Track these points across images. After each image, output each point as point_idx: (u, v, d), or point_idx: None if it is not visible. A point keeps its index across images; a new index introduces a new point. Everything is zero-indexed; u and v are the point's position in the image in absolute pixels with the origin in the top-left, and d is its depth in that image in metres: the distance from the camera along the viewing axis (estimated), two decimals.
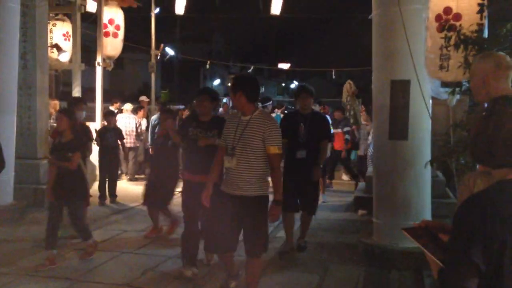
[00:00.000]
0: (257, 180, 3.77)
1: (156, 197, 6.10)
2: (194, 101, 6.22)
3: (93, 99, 9.79)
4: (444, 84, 4.64)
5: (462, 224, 1.60)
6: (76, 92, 9.24)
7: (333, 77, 19.97)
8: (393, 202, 5.36)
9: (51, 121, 8.14)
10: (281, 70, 29.84)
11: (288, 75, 40.20)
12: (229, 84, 8.42)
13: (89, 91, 10.99)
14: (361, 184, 8.92)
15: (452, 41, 4.25)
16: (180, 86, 33.60)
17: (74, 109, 5.94)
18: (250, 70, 24.49)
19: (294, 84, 43.14)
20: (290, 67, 28.07)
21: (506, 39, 4.24)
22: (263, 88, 43.68)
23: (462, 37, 4.15)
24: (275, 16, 12.98)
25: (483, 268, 1.53)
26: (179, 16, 13.96)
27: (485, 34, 4.35)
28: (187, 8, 13.27)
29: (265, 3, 12.93)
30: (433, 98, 5.37)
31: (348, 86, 11.33)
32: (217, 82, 38.64)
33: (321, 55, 30.07)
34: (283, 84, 45.06)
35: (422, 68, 4.79)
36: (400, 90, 5.16)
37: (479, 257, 1.52)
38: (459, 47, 4.14)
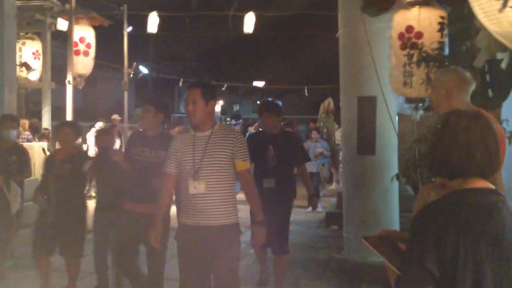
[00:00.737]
0: (230, 205, 3.21)
1: None
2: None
3: (64, 118, 9.66)
4: (408, 100, 4.77)
5: (417, 232, 1.64)
6: (46, 111, 9.14)
7: (306, 94, 20.19)
8: (362, 216, 5.44)
9: (19, 140, 8.01)
10: (256, 87, 30.06)
11: (263, 93, 40.53)
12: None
13: (60, 109, 10.87)
14: (332, 199, 9.01)
15: (414, 59, 4.39)
16: None
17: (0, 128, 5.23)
18: (223, 88, 24.57)
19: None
20: (265, 85, 28.26)
21: (466, 57, 4.41)
22: (238, 106, 43.83)
23: (423, 54, 4.30)
24: (248, 35, 13.11)
25: (437, 275, 1.57)
26: (153, 34, 13.96)
27: (446, 51, 4.50)
28: (160, 26, 13.30)
29: (238, 22, 13.06)
30: (399, 114, 5.51)
31: (327, 103, 11.52)
32: None
33: (295, 73, 30.39)
34: (258, 102, 45.31)
35: (387, 84, 4.92)
36: (367, 106, 5.28)
37: (433, 264, 1.57)
38: (421, 64, 4.28)
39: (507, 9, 1.37)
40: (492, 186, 1.70)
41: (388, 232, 1.93)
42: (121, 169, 3.99)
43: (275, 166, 4.56)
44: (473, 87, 2.81)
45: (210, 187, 3.12)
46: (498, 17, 1.42)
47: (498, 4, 1.34)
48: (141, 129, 4.45)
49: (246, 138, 4.32)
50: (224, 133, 3.23)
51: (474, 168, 1.66)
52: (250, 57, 32.79)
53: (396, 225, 5.45)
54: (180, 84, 22.25)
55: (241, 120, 9.54)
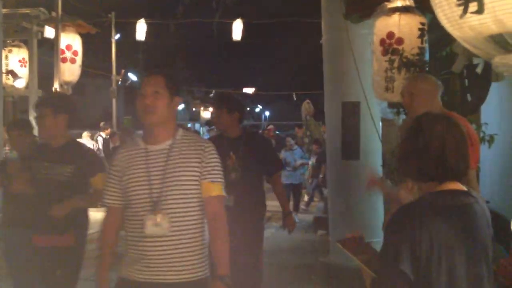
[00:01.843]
0: (200, 251, 2.32)
1: None
2: None
3: None
4: (391, 105, 4.84)
5: (391, 234, 1.67)
6: (33, 118, 9.10)
7: (294, 99, 20.34)
8: (348, 220, 5.49)
9: (7, 148, 7.98)
10: (246, 94, 30.18)
11: (253, 100, 40.66)
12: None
13: None
14: (320, 204, 9.07)
15: (395, 64, 4.46)
16: None
17: None
18: (212, 95, 24.62)
19: (258, 108, 43.54)
20: (255, 91, 28.39)
21: (446, 62, 4.50)
22: None
23: (404, 60, 4.37)
24: (236, 42, 13.18)
25: (411, 277, 1.60)
26: (141, 42, 14.00)
27: (427, 57, 4.58)
28: (149, 34, 13.34)
29: (226, 29, 13.15)
30: (383, 118, 5.58)
31: (307, 106, 11.65)
32: (181, 107, 38.60)
33: (284, 79, 30.55)
34: (248, 108, 45.40)
35: (370, 90, 4.99)
36: (351, 112, 5.34)
37: (407, 266, 1.59)
38: (401, 69, 4.36)
39: (468, 15, 1.42)
40: (464, 188, 1.73)
41: (363, 234, 1.97)
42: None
43: (237, 179, 3.56)
44: (441, 91, 2.94)
45: (176, 225, 2.23)
46: (459, 23, 1.47)
47: (459, 10, 1.40)
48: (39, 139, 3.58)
49: None
50: (189, 142, 2.37)
51: (448, 173, 1.69)
52: (239, 63, 32.90)
53: (380, 229, 5.50)
54: None
55: (213, 127, 9.30)
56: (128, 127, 16.45)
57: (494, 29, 1.39)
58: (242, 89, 29.33)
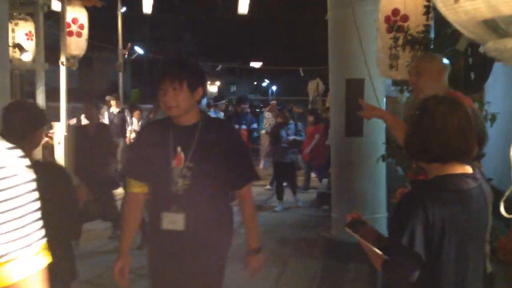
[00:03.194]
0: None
1: None
2: None
3: (58, 98, 9.73)
4: (395, 83, 4.84)
5: (404, 218, 1.70)
6: (40, 91, 9.16)
7: (302, 74, 20.22)
8: (350, 196, 5.56)
9: None
10: (253, 68, 30.00)
11: (260, 74, 40.43)
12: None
13: (55, 90, 10.90)
14: (325, 180, 9.12)
15: (400, 42, 4.44)
16: (151, 85, 33.36)
17: None
18: (218, 69, 24.51)
19: (265, 83, 43.33)
20: (262, 65, 28.23)
21: (451, 40, 4.47)
22: (235, 87, 43.72)
23: (409, 37, 4.35)
24: (244, 16, 13.04)
25: (424, 258, 1.65)
26: (148, 15, 13.91)
27: (432, 35, 4.55)
28: (156, 7, 13.24)
29: (233, 2, 13.00)
30: (387, 96, 5.58)
31: (315, 85, 11.40)
32: None
33: (291, 54, 30.30)
34: (255, 83, 45.21)
35: (375, 67, 4.98)
36: (355, 89, 5.34)
37: (421, 248, 1.64)
38: (406, 47, 4.34)
39: (462, 0, 1.44)
40: (470, 170, 1.77)
41: (359, 214, 2.00)
42: None
43: (187, 189, 2.33)
44: (448, 71, 2.92)
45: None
46: (454, 7, 1.48)
47: None
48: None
49: (137, 134, 2.56)
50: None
51: (451, 155, 1.72)
52: (247, 37, 32.63)
53: (383, 205, 5.57)
54: None
55: (223, 101, 9.07)
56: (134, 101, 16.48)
57: (487, 14, 1.40)
58: (249, 63, 29.16)
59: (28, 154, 1.39)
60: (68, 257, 2.55)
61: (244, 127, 9.49)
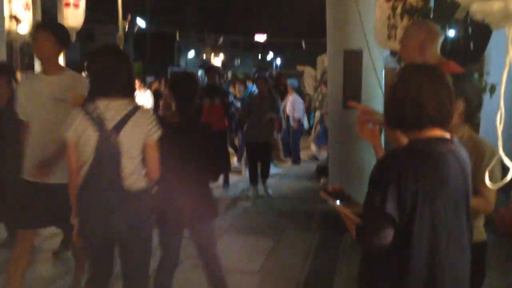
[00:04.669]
0: None
1: None
2: None
3: None
4: (393, 53, 4.75)
5: (378, 180, 1.72)
6: (38, 64, 9.13)
7: (303, 47, 20.03)
8: (347, 169, 5.53)
9: None
10: (257, 42, 29.73)
11: (264, 47, 40.07)
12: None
13: None
14: (324, 154, 9.11)
15: (398, 11, 4.34)
16: (153, 58, 33.20)
17: None
18: (221, 42, 24.31)
19: (270, 56, 42.97)
20: (266, 38, 27.99)
21: (452, 9, 4.36)
22: (239, 61, 43.40)
23: (408, 6, 4.25)
24: None
25: (397, 220, 1.66)
26: None
27: (431, 3, 4.44)
28: None
29: None
30: (385, 67, 5.49)
31: (322, 60, 10.93)
32: (191, 54, 38.26)
33: (294, 27, 29.96)
34: (259, 56, 44.85)
35: (373, 37, 4.88)
36: (353, 60, 5.26)
37: (393, 209, 1.65)
38: (404, 16, 4.24)
39: None
40: (445, 135, 1.76)
41: (343, 187, 2.02)
42: None
43: None
44: (441, 38, 2.82)
45: None
46: None
47: None
48: None
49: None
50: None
51: (427, 120, 1.72)
52: (250, 10, 32.24)
53: None
54: (177, 38, 21.97)
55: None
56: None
57: None
58: (253, 36, 28.87)
59: None
60: None
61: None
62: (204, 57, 34.18)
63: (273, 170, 8.13)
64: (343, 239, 5.10)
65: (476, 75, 4.08)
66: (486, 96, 4.00)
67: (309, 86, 11.55)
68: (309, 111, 10.93)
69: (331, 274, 4.25)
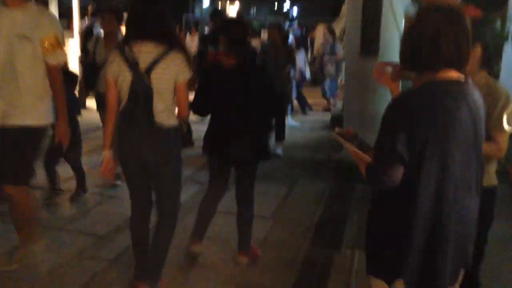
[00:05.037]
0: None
1: None
2: None
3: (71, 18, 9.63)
4: (414, 0, 4.59)
5: (389, 120, 1.71)
6: (53, 7, 9.05)
7: None
8: (362, 117, 5.49)
9: None
10: None
11: None
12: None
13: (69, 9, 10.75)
14: (339, 103, 9.03)
15: None
16: (168, 6, 32.49)
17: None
18: None
19: (287, 5, 41.94)
20: None
21: None
22: (254, 9, 42.47)
23: None
24: None
25: (406, 159, 1.66)
26: None
27: None
28: None
29: None
30: (406, 15, 5.32)
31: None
32: (206, 3, 37.52)
33: None
34: (276, 4, 43.80)
35: None
36: (372, 5, 5.10)
37: (403, 147, 1.65)
38: None
39: None
40: (460, 77, 1.73)
41: (357, 131, 2.03)
42: None
43: None
44: None
45: None
46: None
47: None
48: None
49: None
50: None
51: (442, 61, 1.69)
52: None
53: None
54: None
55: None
56: None
57: None
58: None
59: None
60: None
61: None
62: (219, 6, 33.45)
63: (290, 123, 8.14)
64: (355, 188, 5.14)
65: (498, 22, 3.94)
66: (508, 45, 3.88)
67: (317, 46, 11.29)
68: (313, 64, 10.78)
69: (342, 222, 4.31)
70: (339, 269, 3.45)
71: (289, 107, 8.10)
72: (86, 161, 4.92)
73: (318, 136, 7.72)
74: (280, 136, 6.32)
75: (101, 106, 4.95)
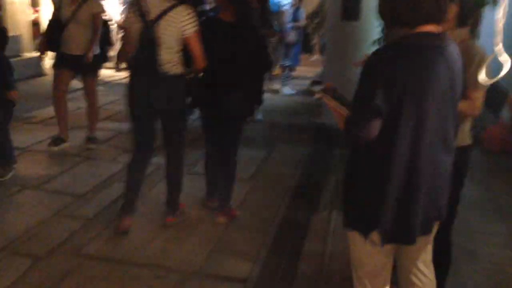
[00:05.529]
0: None
1: None
2: None
3: None
4: None
5: (368, 71, 1.71)
6: None
7: None
8: (342, 82, 5.46)
9: None
10: None
11: None
12: None
13: None
14: (321, 68, 8.98)
15: None
16: None
17: None
18: None
19: None
20: None
21: None
22: None
23: None
24: None
25: (384, 111, 1.66)
26: None
27: None
28: None
29: None
30: None
31: None
32: None
33: None
34: None
35: None
36: None
37: (381, 99, 1.65)
38: None
39: None
40: (438, 30, 1.74)
41: (334, 85, 2.04)
42: None
43: None
44: None
45: None
46: None
47: None
48: None
49: None
50: None
51: (422, 17, 1.70)
52: None
53: None
54: None
55: None
56: None
57: None
58: None
59: None
60: None
61: None
62: None
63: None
64: (334, 153, 5.18)
65: None
66: (490, 8, 3.88)
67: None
68: None
69: (320, 184, 4.35)
70: (316, 229, 3.50)
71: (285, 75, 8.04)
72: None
73: (298, 101, 7.72)
74: (259, 101, 6.22)
75: (58, 67, 4.83)
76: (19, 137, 4.95)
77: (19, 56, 8.17)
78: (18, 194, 3.89)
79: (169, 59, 3.05)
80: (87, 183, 4.09)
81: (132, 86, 3.16)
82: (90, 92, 5.06)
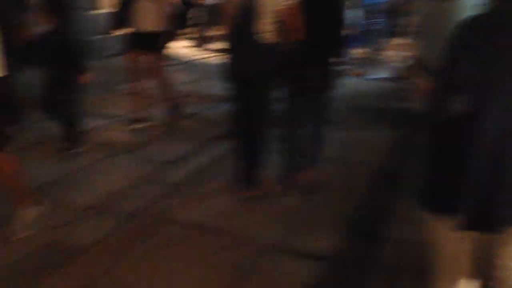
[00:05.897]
0: None
1: None
2: None
3: None
4: None
5: (454, 43, 1.63)
6: None
7: None
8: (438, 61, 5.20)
9: None
10: None
11: None
12: None
13: None
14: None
15: None
16: None
17: None
18: None
19: None
20: None
21: None
22: None
23: None
24: None
25: (470, 85, 1.57)
26: None
27: None
28: None
29: None
30: None
31: None
32: None
33: None
34: None
35: None
36: None
37: (467, 73, 1.56)
38: None
39: None
40: None
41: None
42: None
43: None
44: None
45: None
46: None
47: None
48: None
49: None
50: None
51: None
52: None
53: None
54: None
55: None
56: None
57: None
58: None
59: None
60: None
61: None
62: None
63: None
64: (418, 139, 4.92)
65: None
66: None
67: None
68: None
69: (404, 170, 4.17)
70: (399, 215, 3.37)
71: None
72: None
73: (384, 86, 7.44)
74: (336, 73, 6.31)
75: (131, 44, 4.74)
76: (110, 109, 5.20)
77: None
78: (109, 158, 4.09)
79: (265, 29, 3.18)
80: (177, 152, 4.26)
81: (233, 55, 3.33)
82: (158, 69, 4.94)
